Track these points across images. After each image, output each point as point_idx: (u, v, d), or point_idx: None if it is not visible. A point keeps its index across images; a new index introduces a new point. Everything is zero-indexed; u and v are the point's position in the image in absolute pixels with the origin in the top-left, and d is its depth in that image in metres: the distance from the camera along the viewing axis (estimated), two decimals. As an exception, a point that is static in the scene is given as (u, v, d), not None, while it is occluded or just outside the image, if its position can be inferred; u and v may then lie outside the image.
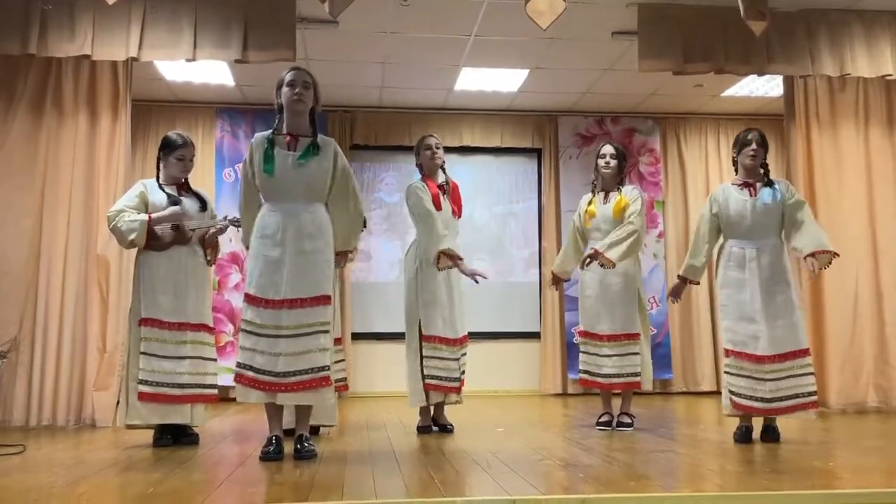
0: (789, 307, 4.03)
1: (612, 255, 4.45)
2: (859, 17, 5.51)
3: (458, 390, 4.52)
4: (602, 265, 4.49)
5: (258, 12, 5.07)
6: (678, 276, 4.46)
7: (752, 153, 4.15)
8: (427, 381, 4.42)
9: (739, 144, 4.21)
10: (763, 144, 4.18)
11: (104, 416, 5.00)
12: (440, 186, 4.60)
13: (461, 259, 4.45)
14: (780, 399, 3.96)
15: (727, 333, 4.12)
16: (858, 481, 3.03)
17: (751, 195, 4.14)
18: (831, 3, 5.44)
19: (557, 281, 4.97)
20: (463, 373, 4.57)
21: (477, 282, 4.44)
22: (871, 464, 3.45)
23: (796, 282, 4.18)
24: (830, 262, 4.03)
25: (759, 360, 3.99)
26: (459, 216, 4.68)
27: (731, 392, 4.06)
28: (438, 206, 4.50)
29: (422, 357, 4.44)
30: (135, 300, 4.10)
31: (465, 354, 4.59)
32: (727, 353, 4.11)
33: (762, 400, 3.96)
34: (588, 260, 4.56)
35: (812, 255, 3.97)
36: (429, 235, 4.45)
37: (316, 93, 3.69)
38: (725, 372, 4.12)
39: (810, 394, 3.98)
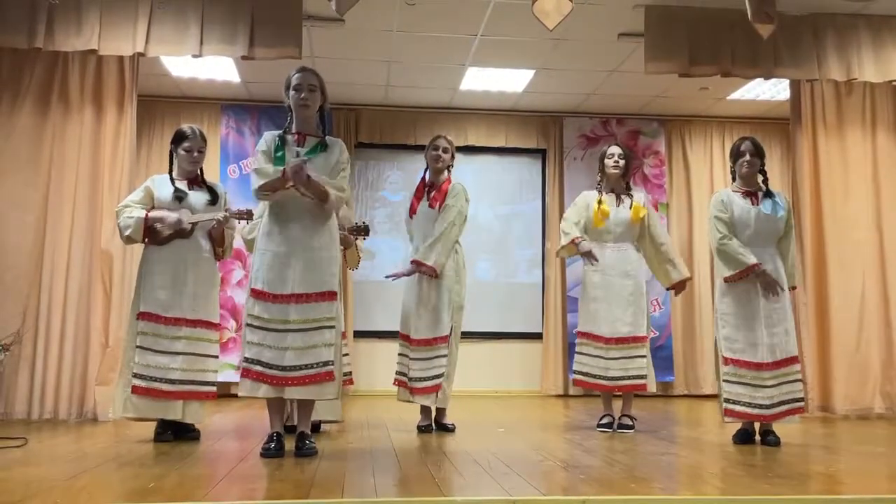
0: (785, 315, 4.12)
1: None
2: (867, 22, 5.50)
3: (416, 391, 4.47)
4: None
5: (265, 9, 5.08)
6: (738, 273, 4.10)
7: (746, 163, 4.21)
8: (397, 377, 4.61)
9: (735, 154, 4.27)
10: (757, 153, 4.21)
11: (106, 411, 5.00)
12: (430, 184, 4.64)
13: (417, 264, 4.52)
14: (777, 405, 4.05)
15: (726, 342, 4.13)
16: (861, 487, 3.03)
17: (753, 204, 4.18)
18: (839, 7, 5.42)
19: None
20: (438, 376, 4.44)
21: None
22: (874, 469, 3.44)
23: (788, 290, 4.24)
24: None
25: (758, 367, 4.05)
26: (436, 208, 4.53)
27: (729, 400, 4.08)
28: (418, 200, 4.61)
29: (399, 354, 4.63)
30: (136, 294, 4.10)
31: (440, 356, 4.45)
32: (726, 361, 4.12)
33: (760, 406, 4.04)
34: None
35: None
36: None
37: (323, 93, 3.70)
38: (724, 380, 4.11)
39: (798, 399, 4.09)
